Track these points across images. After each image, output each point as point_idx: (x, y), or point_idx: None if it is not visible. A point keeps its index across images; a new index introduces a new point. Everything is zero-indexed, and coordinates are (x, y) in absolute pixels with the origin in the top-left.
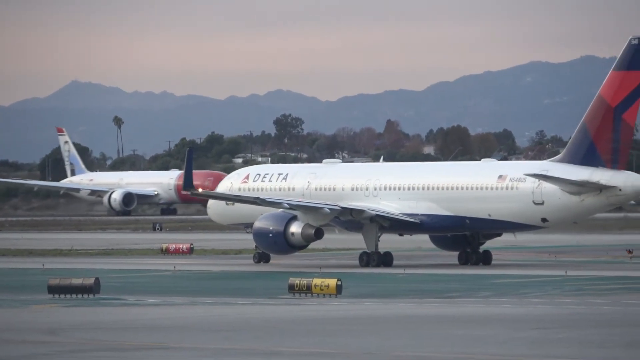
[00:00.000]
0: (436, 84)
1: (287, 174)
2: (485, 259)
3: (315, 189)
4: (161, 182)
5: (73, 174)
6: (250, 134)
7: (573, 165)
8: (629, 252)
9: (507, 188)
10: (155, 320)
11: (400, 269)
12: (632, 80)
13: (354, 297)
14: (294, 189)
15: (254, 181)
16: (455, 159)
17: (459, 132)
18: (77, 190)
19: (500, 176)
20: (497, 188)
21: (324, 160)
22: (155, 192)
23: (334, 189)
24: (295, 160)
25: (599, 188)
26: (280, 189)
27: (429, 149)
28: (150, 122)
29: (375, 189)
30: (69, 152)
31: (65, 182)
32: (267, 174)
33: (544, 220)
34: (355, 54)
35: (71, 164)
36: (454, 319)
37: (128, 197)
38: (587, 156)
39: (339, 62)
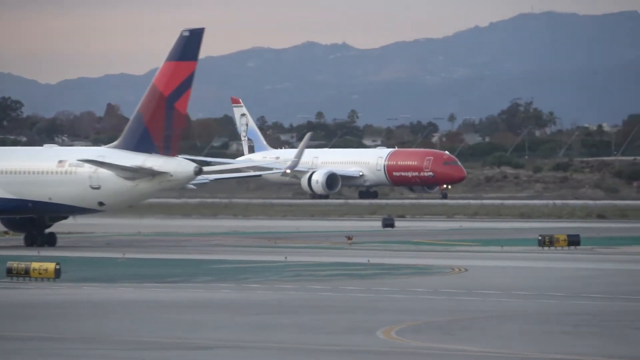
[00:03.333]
0: (156, 69)
1: None
2: (50, 241)
3: None
4: (367, 161)
5: (252, 150)
6: None
7: (128, 151)
8: (349, 238)
9: (66, 173)
10: None
11: (119, 253)
12: (183, 71)
13: (73, 282)
14: None
15: None
16: None
17: None
18: (270, 169)
19: (60, 161)
20: (57, 172)
21: (45, 145)
22: (361, 173)
23: None
24: (15, 143)
25: (151, 174)
26: None
27: None
28: None
29: None
30: (247, 125)
31: (243, 160)
32: None
33: (100, 204)
34: (77, 37)
35: (249, 139)
36: (175, 303)
37: (332, 179)
38: (141, 143)
39: (59, 44)
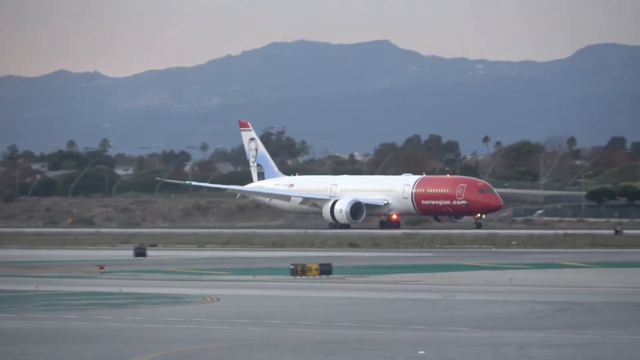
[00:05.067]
0: None
1: None
2: None
3: None
4: (393, 189)
5: (262, 177)
6: None
7: None
8: (100, 267)
9: None
10: None
11: None
12: None
13: None
14: None
15: None
16: None
17: None
18: (288, 197)
19: None
20: None
21: None
22: (386, 202)
23: None
24: None
25: None
26: None
27: None
28: None
29: None
30: (257, 150)
31: (254, 187)
32: None
33: None
34: None
35: (259, 165)
36: None
37: (356, 207)
38: None
39: None
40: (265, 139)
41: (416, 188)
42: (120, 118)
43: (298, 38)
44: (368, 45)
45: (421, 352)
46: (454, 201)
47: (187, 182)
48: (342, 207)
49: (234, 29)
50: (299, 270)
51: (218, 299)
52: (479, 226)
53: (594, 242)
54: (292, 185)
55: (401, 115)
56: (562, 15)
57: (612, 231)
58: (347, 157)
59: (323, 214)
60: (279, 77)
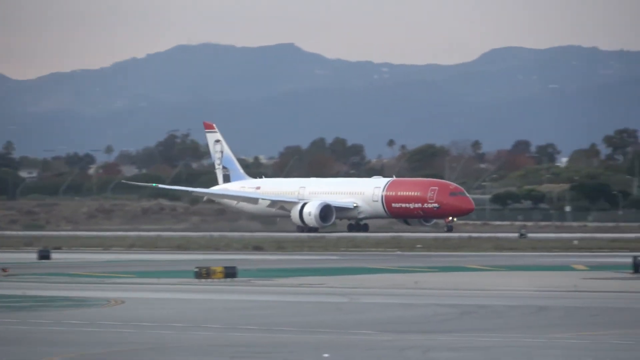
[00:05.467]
0: None
1: None
2: None
3: None
4: (362, 191)
5: (227, 180)
6: None
7: None
8: (4, 270)
9: None
10: None
11: None
12: None
13: None
14: None
15: None
16: None
17: None
18: (256, 200)
19: None
20: None
21: None
22: (355, 205)
23: None
24: None
25: None
26: None
27: None
28: None
29: None
30: (222, 152)
31: (220, 189)
32: None
33: None
34: None
35: (224, 167)
36: None
37: (326, 210)
38: None
39: None
40: (170, 142)
41: (386, 191)
42: (24, 121)
43: (203, 41)
44: (272, 48)
45: (326, 355)
46: (426, 204)
47: (154, 184)
48: (311, 210)
49: (139, 32)
50: (203, 273)
51: (123, 302)
52: (450, 229)
53: (499, 245)
54: (258, 187)
55: (306, 118)
56: (467, 19)
57: (517, 234)
58: (252, 160)
59: (292, 217)
60: (184, 80)
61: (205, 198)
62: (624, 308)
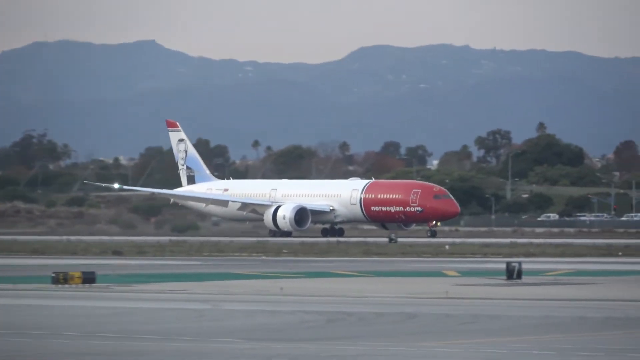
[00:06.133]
0: None
1: None
2: None
3: None
4: (339, 194)
5: (192, 181)
6: None
7: None
8: None
9: None
10: None
11: None
12: None
13: None
14: None
15: None
16: None
17: None
18: (225, 203)
19: None
20: None
21: None
22: (331, 208)
23: None
24: None
25: None
26: None
27: None
28: None
29: None
30: (186, 152)
31: (184, 191)
32: None
33: None
34: None
35: (188, 168)
36: None
37: (301, 214)
38: None
39: None
40: (26, 142)
41: (365, 193)
42: None
43: (60, 38)
44: (133, 45)
45: None
46: (408, 208)
47: (118, 185)
48: (286, 214)
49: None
50: (61, 279)
51: None
52: (433, 234)
53: (368, 250)
54: (226, 189)
55: (167, 117)
56: (335, 17)
57: (386, 239)
58: (111, 160)
59: (264, 221)
60: (41, 77)
61: (171, 201)
62: (496, 315)
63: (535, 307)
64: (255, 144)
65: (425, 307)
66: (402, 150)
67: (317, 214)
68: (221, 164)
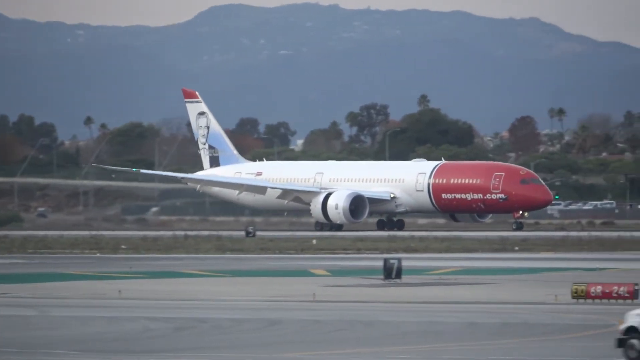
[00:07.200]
0: None
1: None
2: None
3: None
4: (401, 178)
5: (215, 162)
6: None
7: None
8: None
9: None
10: None
11: None
12: None
13: None
14: None
15: None
16: None
17: None
18: (263, 189)
19: None
20: None
21: None
22: (392, 195)
23: None
24: None
25: None
26: None
27: None
28: None
29: None
30: (208, 128)
31: (207, 175)
32: None
33: None
34: None
35: (211, 147)
36: None
37: (357, 202)
38: None
39: None
40: None
41: (434, 178)
42: None
43: None
44: None
45: None
46: (488, 195)
47: (135, 169)
48: (339, 202)
49: None
50: None
51: None
52: (519, 227)
53: (221, 245)
54: (259, 173)
55: None
56: None
57: (243, 232)
58: None
59: (312, 212)
60: None
61: (198, 187)
62: (372, 321)
63: (418, 312)
64: (88, 121)
65: (290, 312)
66: (261, 128)
67: (375, 203)
68: (47, 145)
